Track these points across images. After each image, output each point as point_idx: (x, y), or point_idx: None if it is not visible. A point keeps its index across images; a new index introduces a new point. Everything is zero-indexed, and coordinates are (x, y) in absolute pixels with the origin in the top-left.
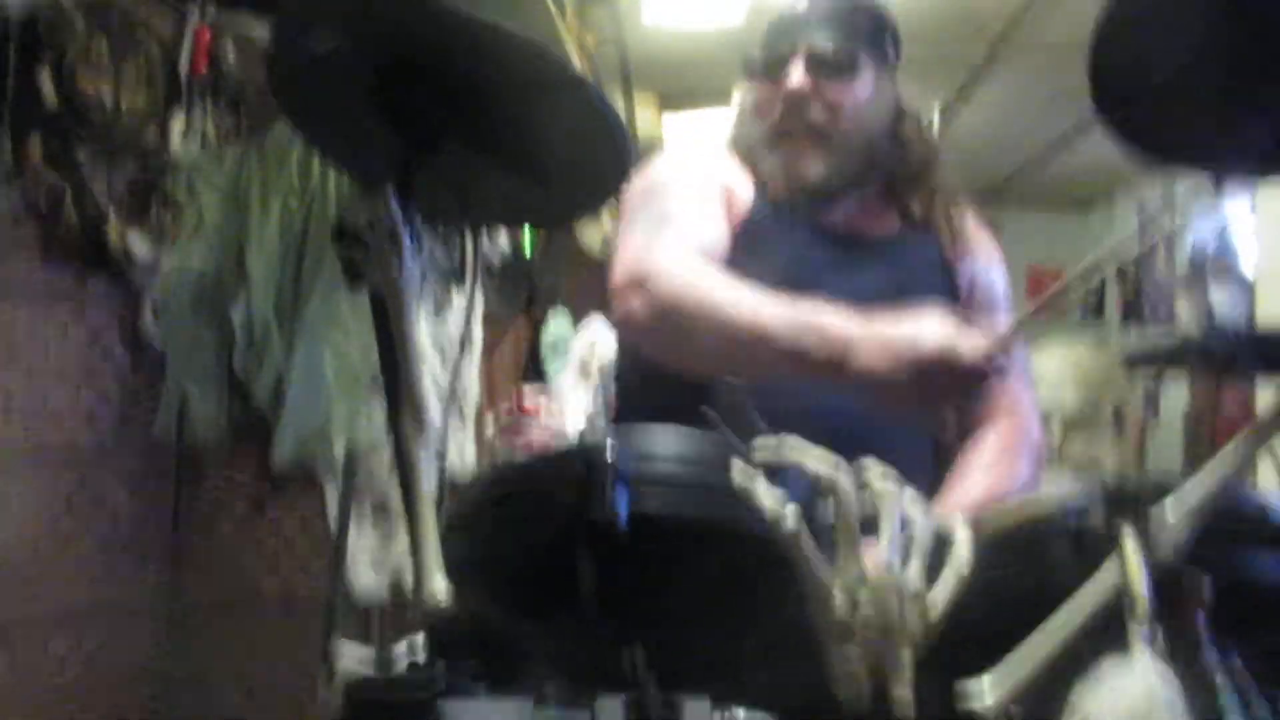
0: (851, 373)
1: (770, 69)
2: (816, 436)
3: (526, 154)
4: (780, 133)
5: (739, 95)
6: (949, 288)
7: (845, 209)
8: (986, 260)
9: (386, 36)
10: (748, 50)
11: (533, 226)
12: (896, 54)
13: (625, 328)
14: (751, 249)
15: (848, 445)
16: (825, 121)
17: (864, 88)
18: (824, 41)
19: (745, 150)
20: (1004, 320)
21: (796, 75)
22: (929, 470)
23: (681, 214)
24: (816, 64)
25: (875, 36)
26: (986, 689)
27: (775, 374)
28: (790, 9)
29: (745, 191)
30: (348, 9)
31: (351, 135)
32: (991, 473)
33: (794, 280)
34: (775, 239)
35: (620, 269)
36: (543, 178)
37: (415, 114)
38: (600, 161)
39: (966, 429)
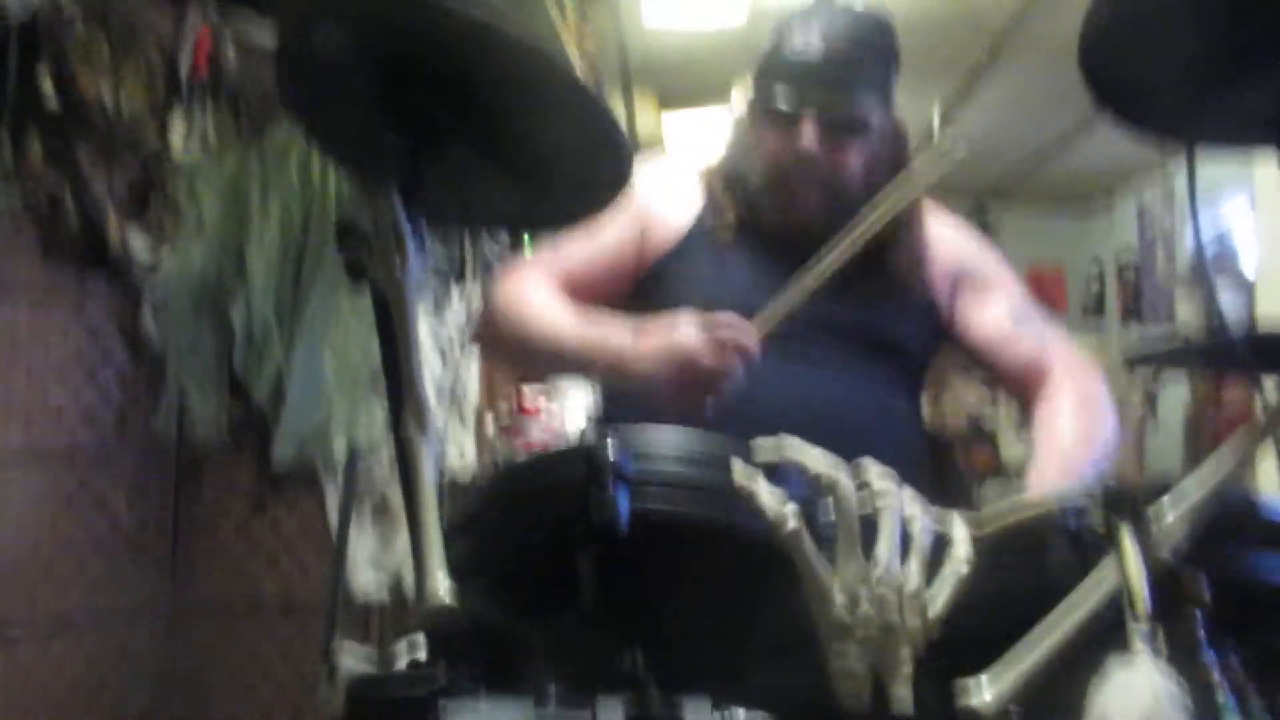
0: (629, 377)
1: (778, 117)
2: (808, 436)
3: (528, 156)
4: (785, 178)
5: (738, 98)
6: (913, 291)
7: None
8: (972, 250)
9: (390, 37)
10: (753, 65)
11: (533, 233)
12: (897, 75)
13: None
14: (689, 267)
15: (840, 444)
16: (833, 178)
17: (873, 139)
18: (839, 104)
19: (737, 175)
20: (1016, 295)
21: (809, 137)
22: (921, 472)
23: (569, 243)
24: (829, 125)
25: (885, 77)
26: (985, 687)
27: (573, 376)
28: (802, 46)
29: (682, 212)
30: (352, 9)
31: (356, 135)
32: (1079, 419)
33: (732, 298)
34: (717, 257)
35: (494, 290)
36: (544, 181)
37: (418, 114)
38: (601, 164)
39: (1018, 393)
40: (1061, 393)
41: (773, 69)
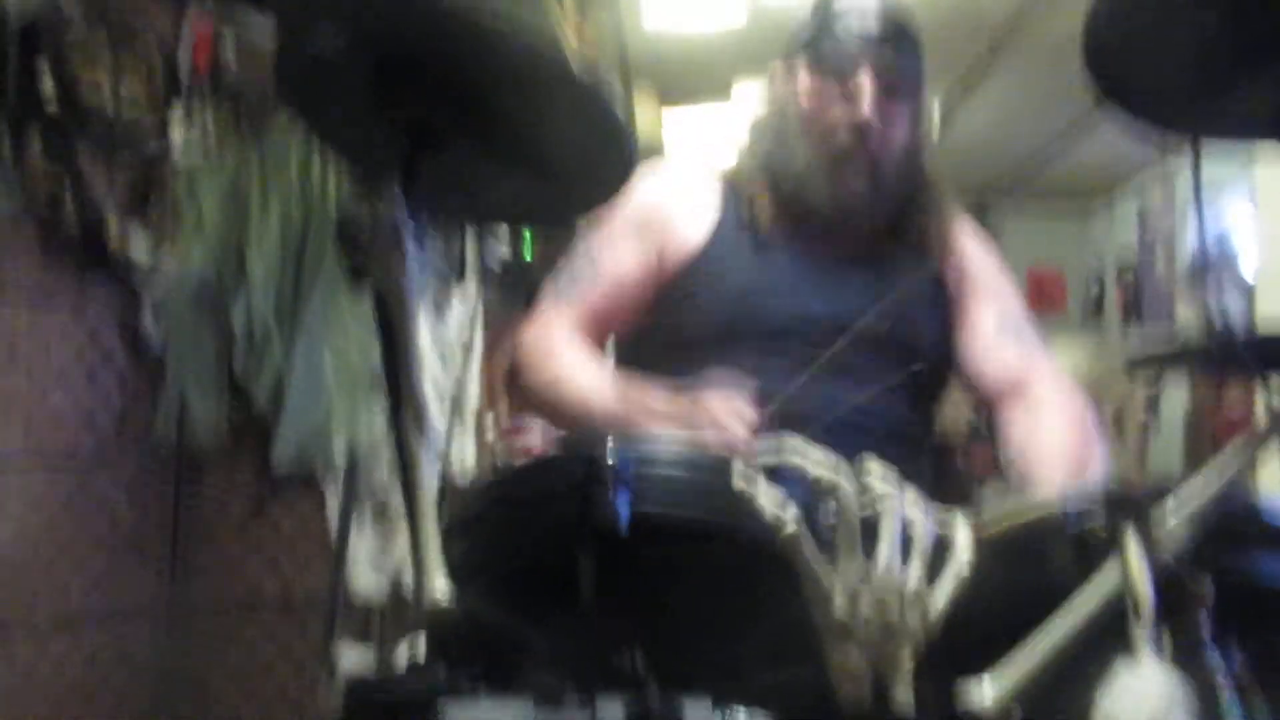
0: None
1: (834, 69)
2: (810, 437)
3: (530, 150)
4: (838, 153)
5: (774, 77)
6: (938, 300)
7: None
8: (975, 251)
9: (389, 35)
10: (799, 33)
11: (539, 225)
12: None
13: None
14: (716, 268)
15: (841, 446)
16: (880, 153)
17: (914, 116)
18: (894, 65)
19: (774, 167)
20: (1009, 304)
21: (868, 101)
22: (923, 475)
23: (588, 275)
24: (885, 85)
25: (922, 65)
26: (986, 689)
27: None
28: (858, 15)
29: (705, 213)
30: (350, 7)
31: (355, 134)
32: (1071, 433)
33: (770, 296)
34: (749, 256)
35: (520, 337)
36: (547, 174)
37: (418, 112)
38: (603, 156)
39: (993, 403)
40: (1050, 407)
41: (824, 37)
